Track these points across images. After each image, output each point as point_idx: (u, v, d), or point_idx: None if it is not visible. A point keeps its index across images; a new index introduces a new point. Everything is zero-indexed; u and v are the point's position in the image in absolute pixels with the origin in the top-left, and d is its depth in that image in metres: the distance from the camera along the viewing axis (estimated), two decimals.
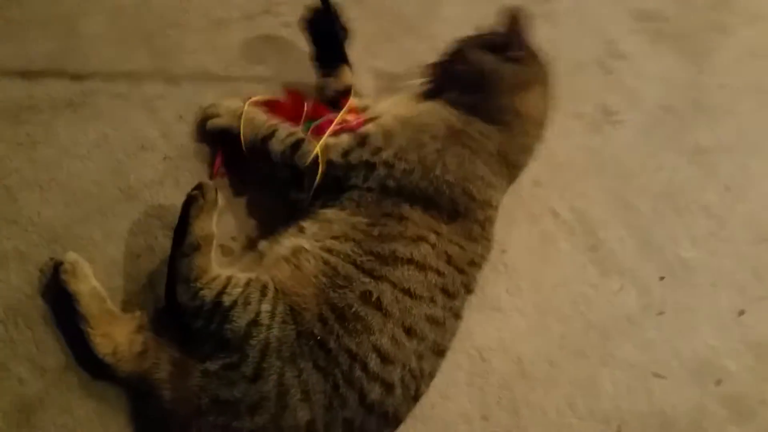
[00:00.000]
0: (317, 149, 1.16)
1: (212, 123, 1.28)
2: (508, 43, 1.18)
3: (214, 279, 1.12)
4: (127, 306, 1.22)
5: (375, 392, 1.06)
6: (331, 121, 1.24)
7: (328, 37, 1.24)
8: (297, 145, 1.19)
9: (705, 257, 1.40)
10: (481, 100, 1.18)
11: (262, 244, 1.21)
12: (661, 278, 1.39)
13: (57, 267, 1.20)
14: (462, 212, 1.15)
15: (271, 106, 1.28)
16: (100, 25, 1.33)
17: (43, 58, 1.30)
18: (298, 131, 1.22)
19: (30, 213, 1.26)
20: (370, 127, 1.18)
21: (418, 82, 1.24)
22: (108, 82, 1.31)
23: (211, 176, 1.30)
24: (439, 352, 1.14)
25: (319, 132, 1.22)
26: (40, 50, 1.31)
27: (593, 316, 1.36)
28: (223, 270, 1.15)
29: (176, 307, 1.14)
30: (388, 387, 1.07)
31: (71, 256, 1.21)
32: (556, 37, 1.42)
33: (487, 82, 1.18)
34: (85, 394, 1.21)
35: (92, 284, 1.20)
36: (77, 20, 1.32)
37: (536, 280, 1.36)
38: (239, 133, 1.25)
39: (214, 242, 1.18)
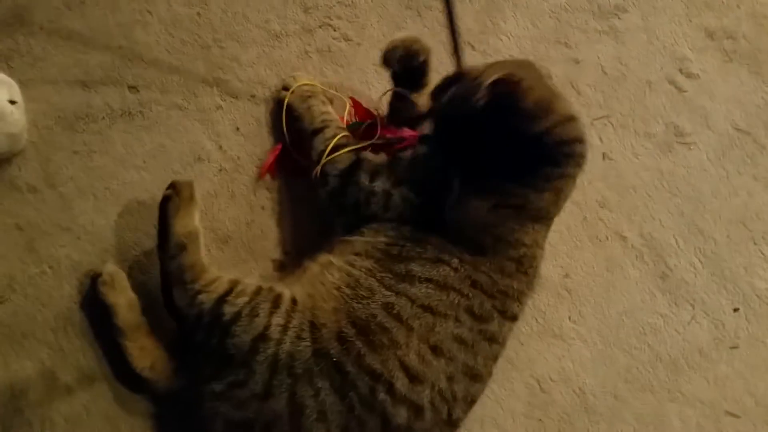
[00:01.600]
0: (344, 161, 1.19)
1: (282, 95, 1.34)
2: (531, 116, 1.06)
3: (213, 281, 1.13)
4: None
5: (401, 415, 1.05)
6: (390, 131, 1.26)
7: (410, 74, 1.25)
8: (336, 149, 1.21)
9: None
10: (516, 173, 1.10)
11: (307, 261, 1.23)
12: (735, 310, 1.39)
13: (95, 278, 1.25)
14: (489, 250, 1.12)
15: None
16: (158, 35, 1.40)
17: (101, 67, 1.38)
18: (342, 136, 1.23)
19: (84, 221, 1.32)
20: (405, 155, 1.19)
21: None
22: (165, 92, 1.38)
23: (260, 174, 1.35)
24: (474, 377, 1.12)
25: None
26: (99, 60, 1.38)
27: (662, 348, 1.36)
28: (224, 273, 1.16)
29: (179, 321, 1.15)
30: (417, 409, 1.06)
31: (109, 267, 1.26)
32: (623, 54, 1.46)
33: (519, 160, 1.09)
34: (131, 407, 1.26)
35: (130, 296, 1.25)
36: (135, 30, 1.40)
37: (601, 307, 1.37)
38: (297, 115, 1.30)
39: (201, 239, 1.19)
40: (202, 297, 1.11)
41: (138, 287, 1.27)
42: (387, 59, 1.23)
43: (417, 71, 1.24)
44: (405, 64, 1.23)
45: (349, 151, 1.21)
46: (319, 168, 1.21)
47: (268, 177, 1.36)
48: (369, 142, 1.24)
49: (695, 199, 1.42)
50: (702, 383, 1.35)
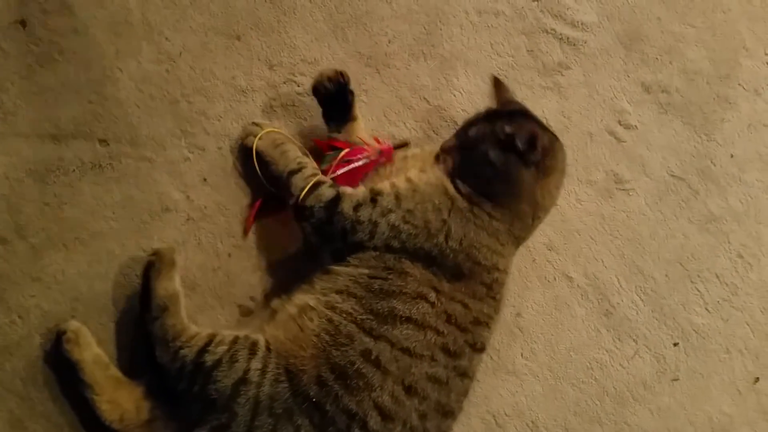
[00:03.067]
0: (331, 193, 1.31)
1: (250, 141, 1.44)
2: (527, 148, 1.25)
3: (192, 336, 1.25)
4: (145, 367, 1.34)
5: None
6: (357, 151, 1.41)
7: (337, 99, 1.43)
8: (317, 185, 1.32)
9: (719, 324, 1.56)
10: (500, 192, 1.28)
11: (275, 303, 1.35)
12: (675, 344, 1.54)
13: (59, 335, 1.32)
14: (466, 274, 1.26)
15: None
16: (128, 91, 1.51)
17: (72, 121, 1.48)
18: (321, 175, 1.36)
19: (54, 271, 1.41)
20: (385, 186, 1.31)
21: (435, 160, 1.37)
22: (134, 145, 1.49)
23: (245, 230, 1.46)
24: (446, 413, 1.24)
25: (346, 176, 1.40)
26: (70, 114, 1.48)
27: (608, 381, 1.50)
28: (203, 328, 1.28)
29: (161, 374, 1.25)
30: None
31: (73, 324, 1.34)
32: (566, 107, 1.62)
33: (511, 185, 1.27)
34: None
35: (95, 351, 1.33)
36: (106, 86, 1.50)
37: (551, 344, 1.50)
38: (269, 160, 1.41)
39: (181, 301, 1.31)
40: (184, 351, 1.22)
41: (107, 335, 1.37)
42: (316, 86, 1.42)
43: (343, 100, 1.43)
44: (334, 85, 1.41)
45: (330, 185, 1.33)
46: (301, 202, 1.32)
47: (233, 223, 1.47)
48: (355, 163, 1.40)
49: (635, 241, 1.58)
50: (646, 414, 1.50)
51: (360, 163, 1.40)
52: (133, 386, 1.31)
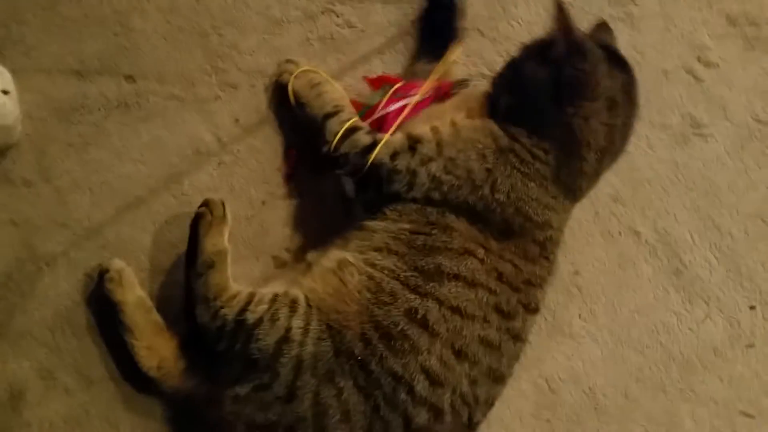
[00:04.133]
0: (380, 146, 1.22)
1: (285, 79, 1.37)
2: (549, 40, 1.17)
3: (234, 296, 1.20)
4: (177, 318, 1.30)
5: (422, 417, 1.11)
6: (410, 86, 1.32)
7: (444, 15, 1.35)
8: (353, 130, 1.25)
9: None
10: (528, 112, 1.19)
11: (311, 255, 1.29)
12: (752, 307, 1.44)
13: (102, 275, 1.29)
14: (516, 231, 1.18)
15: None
16: (155, 23, 1.42)
17: (96, 56, 1.41)
18: (359, 120, 1.29)
19: (80, 216, 1.36)
20: (426, 131, 1.22)
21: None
22: (162, 82, 1.41)
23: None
24: (497, 378, 1.18)
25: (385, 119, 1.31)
26: (95, 48, 1.41)
27: (675, 347, 1.41)
28: (244, 287, 1.23)
29: (199, 329, 1.21)
30: (437, 412, 1.12)
31: (117, 263, 1.30)
32: (639, 42, 1.49)
33: (528, 91, 1.19)
34: (131, 407, 1.31)
35: (138, 294, 1.30)
36: (132, 17, 1.42)
37: (612, 305, 1.42)
38: (304, 102, 1.33)
39: (228, 258, 1.26)
40: (224, 311, 1.18)
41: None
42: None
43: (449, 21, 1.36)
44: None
45: (368, 131, 1.26)
46: (334, 148, 1.25)
47: (267, 168, 1.40)
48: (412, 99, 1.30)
49: (711, 194, 1.46)
50: (716, 383, 1.40)
51: (413, 99, 1.30)
52: (172, 334, 1.28)
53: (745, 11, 1.51)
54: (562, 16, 1.14)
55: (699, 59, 1.50)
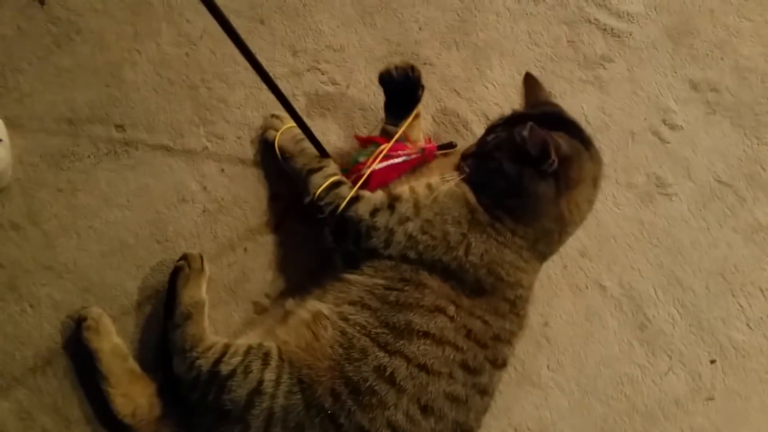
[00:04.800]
0: (351, 193, 1.27)
1: (270, 135, 1.42)
2: (539, 157, 1.16)
3: (210, 347, 1.23)
4: (155, 362, 1.34)
5: None
6: (398, 148, 1.36)
7: (403, 92, 1.38)
8: (337, 184, 1.30)
9: (761, 341, 1.49)
10: (519, 207, 1.21)
11: (290, 303, 1.33)
12: (712, 361, 1.48)
13: (80, 322, 1.32)
14: (488, 290, 1.21)
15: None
16: (146, 75, 1.49)
17: (88, 105, 1.47)
18: (341, 176, 1.33)
19: (66, 260, 1.41)
20: (404, 191, 1.27)
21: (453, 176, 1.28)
22: (151, 132, 1.47)
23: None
24: None
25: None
26: (87, 98, 1.47)
27: (638, 398, 1.45)
28: (220, 338, 1.27)
29: (173, 380, 1.24)
30: None
31: (94, 311, 1.34)
32: (608, 104, 1.56)
33: (527, 198, 1.20)
34: None
35: (114, 342, 1.33)
36: (123, 68, 1.49)
37: (579, 356, 1.46)
38: (289, 156, 1.38)
39: (206, 309, 1.31)
40: (199, 362, 1.21)
41: (117, 328, 1.35)
42: (384, 74, 1.36)
43: (410, 95, 1.37)
44: (399, 74, 1.36)
45: (349, 186, 1.30)
46: (317, 200, 1.29)
47: (251, 217, 1.45)
48: (395, 160, 1.35)
49: (675, 250, 1.51)
50: None
51: (399, 160, 1.35)
52: (147, 381, 1.31)
53: (706, 78, 1.58)
54: (545, 137, 1.15)
55: (664, 122, 1.56)
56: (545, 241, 1.24)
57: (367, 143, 1.40)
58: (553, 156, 1.15)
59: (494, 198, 1.22)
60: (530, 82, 1.36)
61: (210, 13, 0.98)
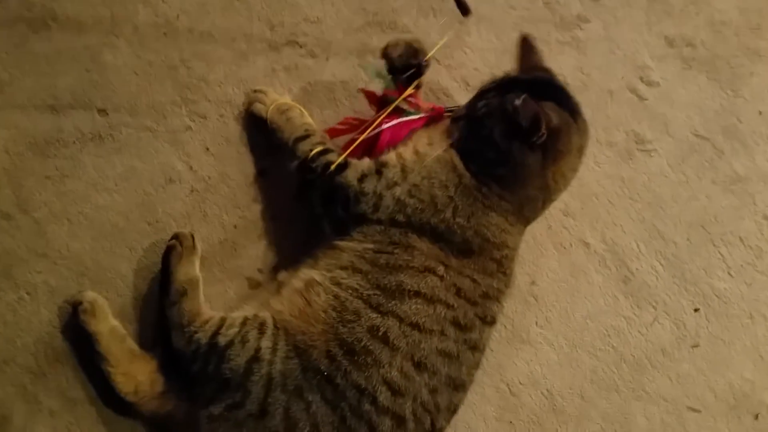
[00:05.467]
0: (340, 159, 1.29)
1: (256, 108, 1.44)
2: (529, 129, 1.19)
3: (206, 321, 1.28)
4: (154, 340, 1.39)
5: (385, 425, 1.19)
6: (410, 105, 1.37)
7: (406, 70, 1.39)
8: (323, 152, 1.32)
9: (741, 288, 1.55)
10: (506, 176, 1.24)
11: (282, 275, 1.37)
12: (696, 310, 1.54)
13: (76, 306, 1.35)
14: (475, 250, 1.26)
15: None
16: (125, 58, 1.50)
17: (69, 91, 1.48)
18: (328, 143, 1.36)
19: (59, 246, 1.43)
20: (390, 157, 1.30)
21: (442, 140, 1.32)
22: (134, 114, 1.49)
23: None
24: (457, 386, 1.26)
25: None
26: (67, 83, 1.48)
27: (626, 349, 1.51)
28: (216, 312, 1.31)
29: (173, 353, 1.28)
30: (400, 420, 1.19)
31: (89, 295, 1.37)
32: (585, 64, 1.59)
33: (515, 169, 1.24)
34: (114, 428, 1.38)
35: (111, 323, 1.36)
36: (103, 52, 1.49)
37: (566, 312, 1.51)
38: (276, 128, 1.40)
39: (200, 285, 1.34)
40: (197, 335, 1.25)
41: (114, 310, 1.39)
42: (386, 54, 1.38)
43: (414, 70, 1.38)
44: (405, 60, 1.37)
45: (336, 153, 1.32)
46: (304, 166, 1.32)
47: (238, 194, 1.48)
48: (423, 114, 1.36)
49: (656, 205, 1.56)
50: (665, 381, 1.51)
51: (412, 117, 1.36)
52: (147, 359, 1.34)
53: (681, 33, 1.61)
54: (537, 110, 1.18)
55: (641, 79, 1.60)
56: (530, 207, 1.29)
57: (374, 99, 1.40)
58: (543, 129, 1.19)
59: (482, 165, 1.26)
60: (525, 46, 1.38)
61: None
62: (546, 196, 1.30)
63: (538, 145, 1.22)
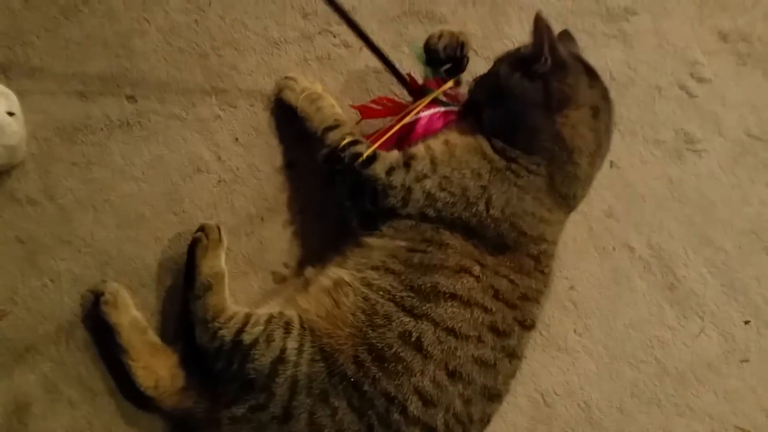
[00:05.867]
0: (369, 151, 1.27)
1: (286, 95, 1.43)
2: (533, 55, 1.21)
3: (231, 317, 1.25)
4: (177, 334, 1.37)
5: None
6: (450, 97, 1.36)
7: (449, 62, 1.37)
8: (352, 143, 1.30)
9: None
10: (514, 124, 1.24)
11: (309, 271, 1.34)
12: (746, 322, 1.48)
13: (98, 297, 1.35)
14: (510, 246, 1.22)
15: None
16: (156, 44, 1.48)
17: (99, 77, 1.47)
18: (358, 135, 1.34)
19: (83, 234, 1.42)
20: (419, 149, 1.28)
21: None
22: (163, 102, 1.47)
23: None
24: (492, 397, 1.21)
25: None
26: (97, 69, 1.47)
27: (669, 361, 1.46)
28: (241, 307, 1.29)
29: (196, 350, 1.27)
30: (430, 430, 1.15)
31: (112, 286, 1.36)
32: (632, 58, 1.54)
33: (515, 104, 1.24)
34: (133, 421, 1.36)
35: (133, 315, 1.35)
36: (133, 39, 1.48)
37: (607, 320, 1.46)
38: (305, 116, 1.39)
39: (226, 280, 1.32)
40: (222, 332, 1.23)
41: (138, 301, 1.38)
42: (431, 46, 1.36)
43: (457, 61, 1.36)
44: (448, 53, 1.35)
45: (366, 144, 1.30)
46: (333, 156, 1.30)
47: (266, 185, 1.46)
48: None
49: (705, 209, 1.51)
50: (711, 397, 1.45)
51: (450, 108, 1.34)
52: (169, 353, 1.33)
53: (737, 27, 1.56)
54: (544, 33, 1.19)
55: (692, 75, 1.55)
56: (560, 174, 1.23)
57: (416, 85, 1.38)
58: (546, 53, 1.18)
59: (495, 123, 1.26)
60: (565, 37, 1.35)
61: None
62: (568, 154, 1.23)
63: (540, 77, 1.20)
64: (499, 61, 1.31)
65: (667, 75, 1.54)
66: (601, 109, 1.26)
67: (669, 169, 1.51)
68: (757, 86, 1.55)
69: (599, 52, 1.52)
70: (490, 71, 1.31)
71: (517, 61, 1.25)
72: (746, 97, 1.54)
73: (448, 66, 1.37)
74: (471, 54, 1.49)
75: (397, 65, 1.36)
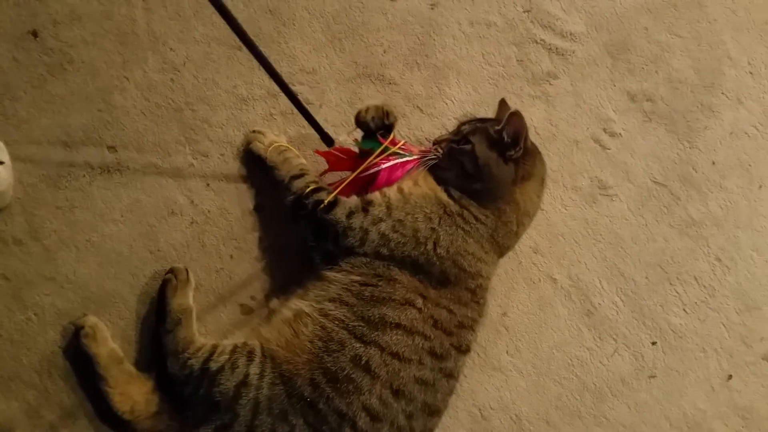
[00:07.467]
0: (330, 197, 1.42)
1: (255, 146, 1.58)
2: (509, 143, 1.40)
3: (199, 348, 1.40)
4: (150, 363, 1.50)
5: None
6: (406, 148, 1.49)
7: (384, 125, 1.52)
8: (315, 190, 1.45)
9: (695, 324, 1.70)
10: (481, 190, 1.41)
11: (274, 303, 1.50)
12: (653, 343, 1.68)
13: (78, 330, 1.48)
14: (452, 281, 1.39)
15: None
16: (134, 100, 1.64)
17: (82, 129, 1.62)
18: (321, 183, 1.49)
19: (66, 271, 1.56)
20: (376, 196, 1.43)
21: (426, 159, 1.48)
22: (141, 151, 1.63)
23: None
24: (432, 412, 1.38)
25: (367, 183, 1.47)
26: (80, 122, 1.62)
27: (588, 378, 1.65)
28: (208, 339, 1.43)
29: (167, 378, 1.41)
30: None
31: (91, 320, 1.50)
32: (554, 116, 1.75)
33: (489, 180, 1.41)
34: None
35: (110, 346, 1.49)
36: (113, 94, 1.64)
37: (535, 342, 1.65)
38: (273, 166, 1.53)
39: (194, 315, 1.48)
40: (191, 362, 1.37)
41: (116, 332, 1.52)
42: (360, 119, 1.50)
43: (386, 128, 1.51)
44: (376, 123, 1.50)
45: (328, 191, 1.44)
46: (298, 202, 1.45)
47: (235, 227, 1.62)
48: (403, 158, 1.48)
49: (617, 245, 1.71)
50: (624, 409, 1.64)
51: (407, 158, 1.48)
52: (143, 380, 1.46)
53: (643, 89, 1.78)
54: (523, 128, 1.39)
55: (605, 130, 1.76)
56: (504, 230, 1.43)
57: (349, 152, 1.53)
58: (521, 145, 1.39)
59: (461, 182, 1.42)
60: (503, 106, 1.58)
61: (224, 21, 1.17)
62: (517, 217, 1.43)
63: (512, 160, 1.40)
64: (471, 134, 1.44)
65: (584, 130, 1.74)
66: (545, 177, 1.50)
67: (585, 212, 1.71)
68: (661, 140, 1.76)
69: (526, 111, 1.64)
70: (462, 147, 1.42)
71: (492, 144, 1.41)
72: (651, 149, 1.75)
73: (381, 132, 1.50)
74: (416, 111, 1.71)
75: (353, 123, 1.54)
